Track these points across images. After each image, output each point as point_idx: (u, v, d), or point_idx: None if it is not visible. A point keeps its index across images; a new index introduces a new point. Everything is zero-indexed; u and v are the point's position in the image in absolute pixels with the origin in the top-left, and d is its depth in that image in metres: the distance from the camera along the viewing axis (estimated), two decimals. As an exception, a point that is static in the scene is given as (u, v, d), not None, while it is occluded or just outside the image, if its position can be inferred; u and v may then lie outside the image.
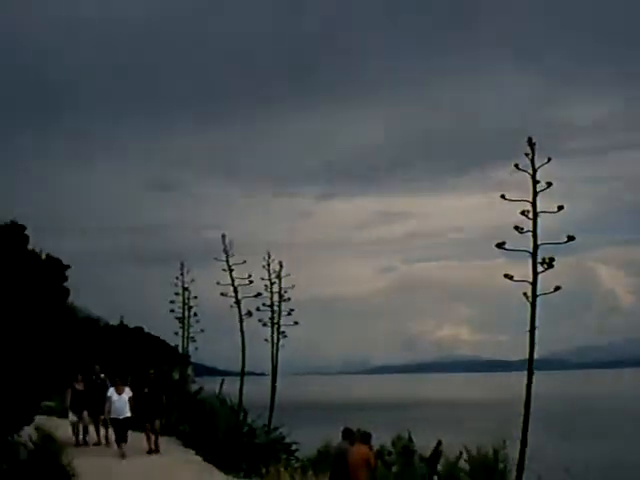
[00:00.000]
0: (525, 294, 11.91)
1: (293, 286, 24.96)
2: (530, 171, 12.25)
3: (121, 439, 21.16)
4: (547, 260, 11.85)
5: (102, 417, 22.66)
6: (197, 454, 22.49)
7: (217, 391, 28.35)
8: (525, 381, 14.13)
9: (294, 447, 24.90)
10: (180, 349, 31.47)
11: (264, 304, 24.73)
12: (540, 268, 12.09)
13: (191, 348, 31.21)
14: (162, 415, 22.19)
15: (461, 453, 15.11)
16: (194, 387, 33.93)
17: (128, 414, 21.30)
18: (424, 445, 23.64)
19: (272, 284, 24.86)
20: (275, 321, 24.92)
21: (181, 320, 30.58)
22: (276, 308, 24.88)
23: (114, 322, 46.00)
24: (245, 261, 24.43)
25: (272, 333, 24.97)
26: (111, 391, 21.72)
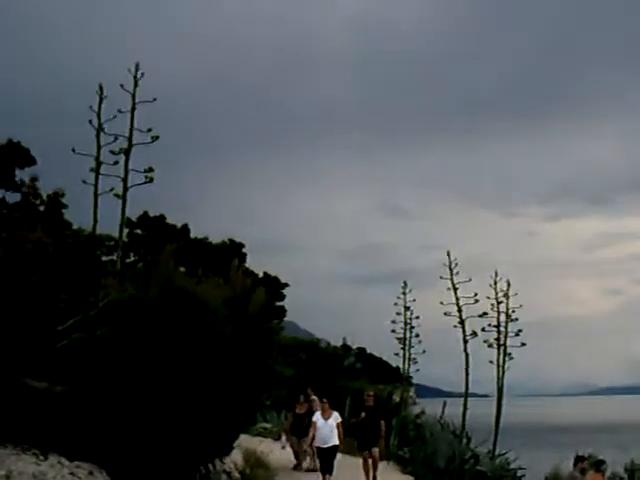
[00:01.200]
0: None
1: (520, 306, 23.78)
2: None
3: (326, 470, 19.01)
4: None
5: (305, 446, 21.84)
6: (415, 480, 21.64)
7: (439, 414, 27.48)
8: None
9: (520, 473, 23.54)
10: (401, 370, 30.64)
11: (489, 324, 23.64)
12: None
13: (412, 369, 30.23)
14: (379, 442, 20.44)
15: None
16: (415, 409, 33.18)
17: (335, 442, 19.02)
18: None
19: (499, 303, 23.74)
20: (501, 342, 23.75)
21: (402, 340, 29.75)
22: (502, 329, 23.72)
23: (337, 343, 45.86)
24: (471, 279, 23.45)
25: (498, 354, 23.79)
26: (317, 415, 19.62)
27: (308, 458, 22.38)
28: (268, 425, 29.50)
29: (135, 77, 14.15)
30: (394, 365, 33.16)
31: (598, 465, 15.97)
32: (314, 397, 23.16)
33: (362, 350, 76.27)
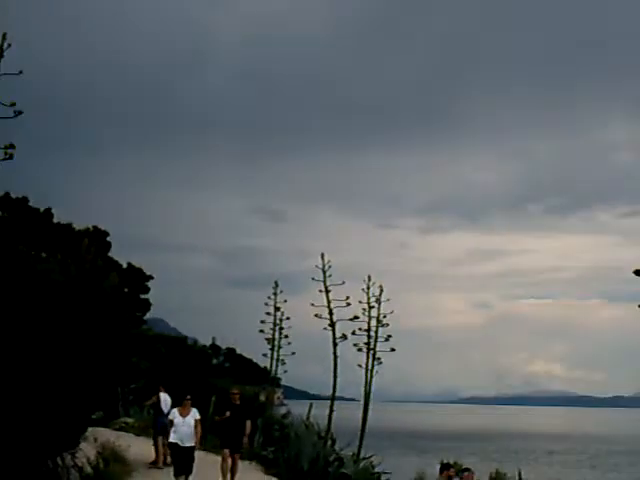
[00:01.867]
0: None
1: (392, 312, 23.43)
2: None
3: (182, 471, 17.64)
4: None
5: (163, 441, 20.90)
6: (279, 483, 20.91)
7: (305, 415, 26.90)
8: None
9: (384, 478, 23.13)
10: (269, 370, 29.97)
11: (360, 329, 23.20)
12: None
13: (280, 370, 29.61)
14: (242, 443, 19.15)
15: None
16: (283, 410, 32.55)
17: (192, 442, 17.77)
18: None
19: (370, 308, 23.32)
20: (371, 346, 23.35)
21: (271, 341, 29.08)
22: (372, 334, 23.32)
23: (207, 342, 44.99)
24: (344, 282, 22.96)
25: (367, 358, 23.38)
26: (174, 413, 18.29)
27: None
28: (130, 420, 28.57)
29: (1, 47, 12.97)
30: (263, 366, 32.40)
31: (463, 472, 15.58)
32: (162, 394, 22.37)
33: (232, 350, 75.73)
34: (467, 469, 16.02)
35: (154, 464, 21.70)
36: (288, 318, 28.34)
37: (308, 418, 26.73)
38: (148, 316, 51.90)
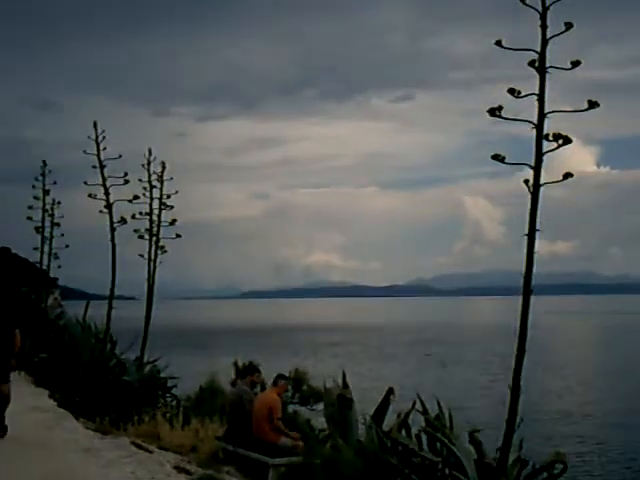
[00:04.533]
0: (527, 182, 8.22)
1: (176, 192, 20.49)
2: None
3: None
4: (560, 135, 8.12)
5: None
6: (51, 395, 18.15)
7: (81, 316, 24.17)
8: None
9: (172, 383, 20.84)
10: (40, 265, 26.77)
11: (141, 212, 20.10)
12: (550, 145, 8.31)
13: (54, 266, 26.52)
14: (9, 366, 13.02)
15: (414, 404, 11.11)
16: (57, 312, 29.64)
17: None
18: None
19: (152, 187, 20.30)
20: (154, 232, 20.40)
21: (40, 230, 25.83)
22: (155, 218, 20.35)
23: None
24: (121, 155, 19.62)
25: (150, 246, 20.43)
26: None
27: None
28: None
29: None
30: (39, 265, 28.91)
31: (277, 379, 13.58)
32: None
33: (6, 250, 70.92)
34: (282, 375, 14.00)
35: None
36: (59, 202, 25.31)
37: (84, 319, 24.07)
38: None
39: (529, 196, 8.34)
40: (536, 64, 8.41)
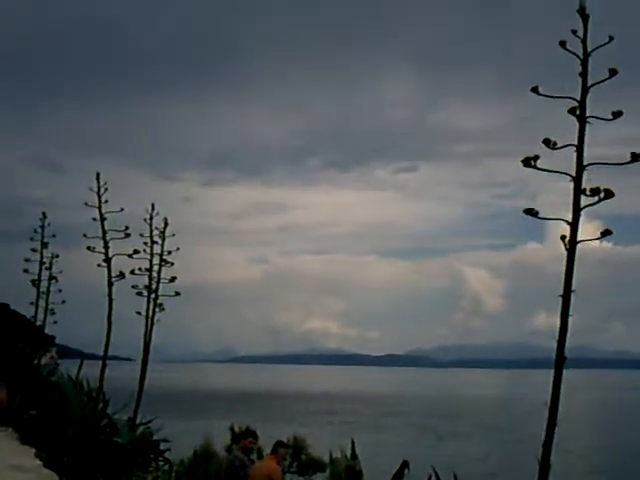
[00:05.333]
0: (563, 238, 7.56)
1: (178, 249, 19.90)
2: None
3: None
4: (599, 189, 7.47)
5: None
6: (37, 455, 17.27)
7: (74, 375, 23.38)
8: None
9: (165, 446, 19.97)
10: (35, 321, 26.01)
11: (140, 268, 19.48)
12: (587, 200, 7.66)
13: (50, 322, 25.77)
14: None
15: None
16: (50, 369, 28.87)
17: None
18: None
19: (153, 243, 19.69)
20: (153, 289, 19.75)
21: (36, 283, 25.07)
22: (155, 274, 19.73)
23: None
24: (123, 208, 18.89)
25: (148, 304, 19.78)
26: None
27: None
28: None
29: None
30: (34, 320, 28.20)
31: (276, 446, 12.83)
32: None
33: (5, 306, 70.45)
34: (281, 443, 13.26)
35: None
36: (58, 256, 24.62)
37: (78, 377, 23.29)
38: None
39: (564, 254, 7.65)
40: (576, 112, 7.74)
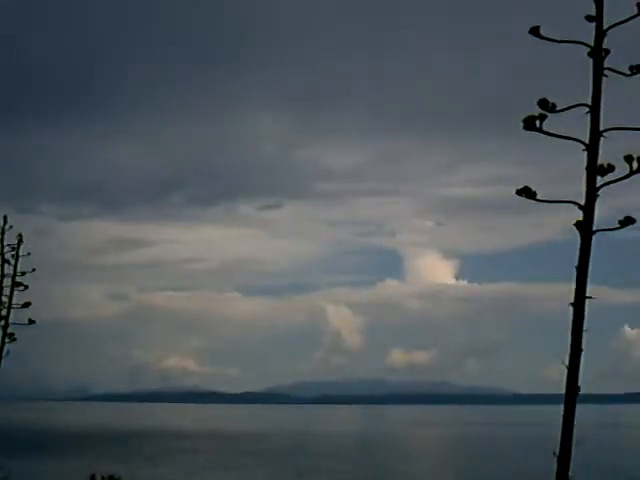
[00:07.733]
0: (578, 224, 6.27)
1: (33, 270, 18.63)
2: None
3: None
4: (610, 165, 6.29)
5: None
6: None
7: None
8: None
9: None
10: None
11: None
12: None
13: None
14: None
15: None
16: None
17: None
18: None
19: (4, 262, 18.16)
20: (3, 315, 18.40)
21: None
22: (5, 299, 18.33)
23: None
24: None
25: None
26: None
27: None
28: None
29: None
30: None
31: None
32: None
33: None
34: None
35: None
36: None
37: None
38: None
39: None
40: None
